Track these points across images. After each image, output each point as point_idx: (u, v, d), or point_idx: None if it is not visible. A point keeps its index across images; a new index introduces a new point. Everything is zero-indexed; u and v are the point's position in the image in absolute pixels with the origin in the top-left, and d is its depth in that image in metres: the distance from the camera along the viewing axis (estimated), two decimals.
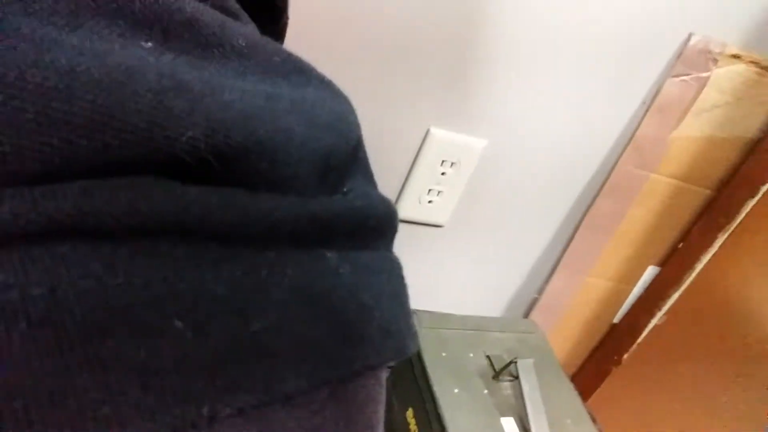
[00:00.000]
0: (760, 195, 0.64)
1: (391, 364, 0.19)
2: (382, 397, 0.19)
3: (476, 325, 0.59)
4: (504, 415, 0.50)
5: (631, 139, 0.65)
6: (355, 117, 0.20)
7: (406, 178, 0.63)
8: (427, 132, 0.60)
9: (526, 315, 0.79)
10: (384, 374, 0.19)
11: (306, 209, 0.16)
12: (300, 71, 0.18)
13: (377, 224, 0.19)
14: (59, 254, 0.12)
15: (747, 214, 0.65)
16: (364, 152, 0.22)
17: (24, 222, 0.12)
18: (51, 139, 0.12)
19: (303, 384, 0.15)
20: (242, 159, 0.15)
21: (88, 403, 0.12)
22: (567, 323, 0.78)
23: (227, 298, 0.14)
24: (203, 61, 0.16)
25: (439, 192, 0.64)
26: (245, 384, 0.14)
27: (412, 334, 0.20)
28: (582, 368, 0.83)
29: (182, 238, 0.14)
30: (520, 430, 0.49)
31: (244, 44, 0.17)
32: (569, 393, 0.56)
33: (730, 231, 0.66)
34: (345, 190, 0.19)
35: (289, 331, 0.15)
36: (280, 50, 0.18)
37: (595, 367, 0.80)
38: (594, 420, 0.56)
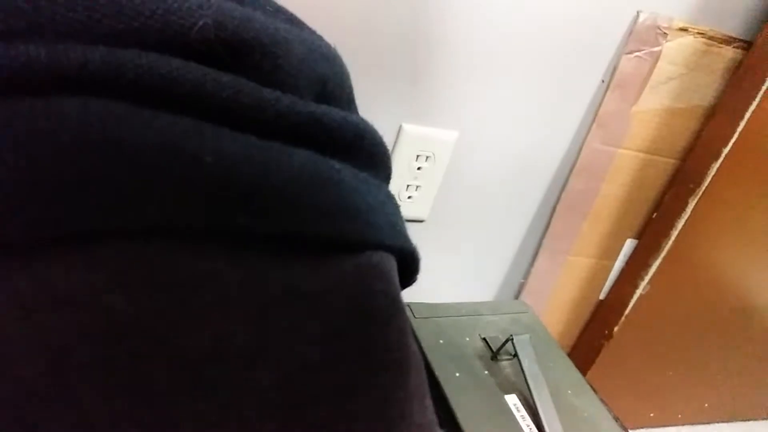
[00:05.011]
0: (722, 157, 0.67)
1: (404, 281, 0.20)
2: (396, 277, 0.20)
3: (468, 311, 0.60)
4: (507, 392, 0.51)
5: (595, 117, 0.68)
6: (347, 70, 0.21)
7: None
8: (400, 128, 0.61)
9: (515, 299, 0.80)
10: (395, 266, 0.20)
11: (307, 108, 0.17)
12: (293, 20, 0.20)
13: (373, 148, 0.20)
14: (89, 101, 0.14)
15: (713, 177, 0.68)
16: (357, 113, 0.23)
17: (57, 66, 0.13)
18: (77, 14, 0.14)
19: (329, 231, 0.17)
20: (248, 55, 0.16)
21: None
22: (555, 304, 0.80)
23: (248, 154, 0.16)
24: None
25: (417, 187, 0.66)
26: (285, 213, 0.16)
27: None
28: (575, 347, 0.84)
29: (199, 114, 0.15)
30: (523, 405, 0.50)
31: None
32: (567, 365, 0.57)
33: (699, 195, 0.69)
34: None
35: (306, 192, 0.17)
36: (272, 2, 0.19)
37: (587, 343, 0.81)
38: (594, 390, 0.57)
